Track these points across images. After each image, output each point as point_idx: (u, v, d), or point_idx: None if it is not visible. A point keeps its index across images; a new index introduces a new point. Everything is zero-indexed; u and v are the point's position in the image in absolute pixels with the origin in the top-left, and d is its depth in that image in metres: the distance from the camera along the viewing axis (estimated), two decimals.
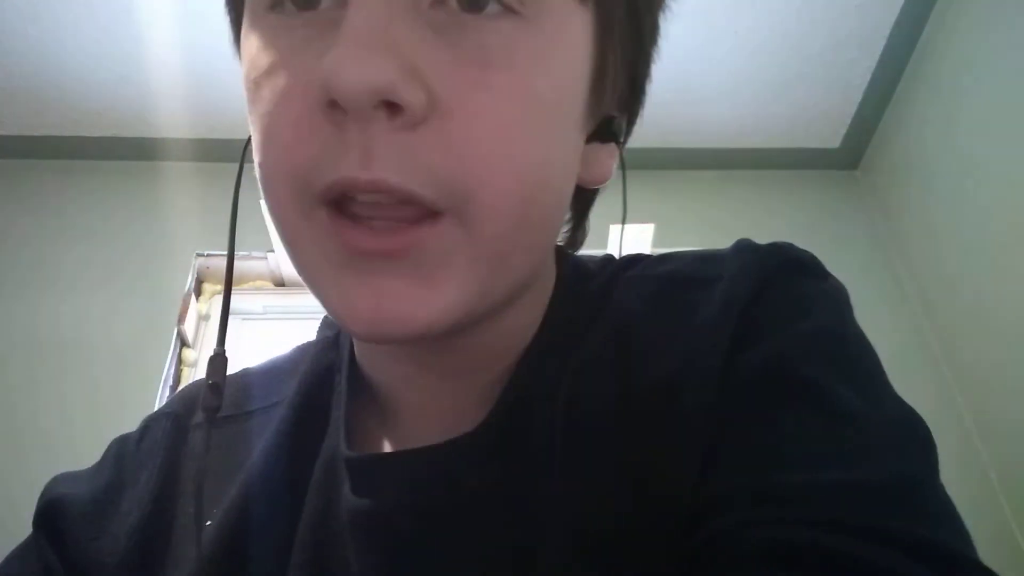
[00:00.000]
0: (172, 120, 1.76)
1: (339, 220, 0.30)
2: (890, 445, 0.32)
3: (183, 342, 1.65)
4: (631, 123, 0.41)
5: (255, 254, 1.68)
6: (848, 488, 0.29)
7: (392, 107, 0.28)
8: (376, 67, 0.27)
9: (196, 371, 1.63)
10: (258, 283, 1.75)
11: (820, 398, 0.32)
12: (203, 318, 1.72)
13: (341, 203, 0.30)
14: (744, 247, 0.40)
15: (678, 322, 0.37)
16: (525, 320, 0.40)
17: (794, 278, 0.37)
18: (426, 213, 0.30)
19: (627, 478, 0.35)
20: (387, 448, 0.42)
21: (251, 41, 0.32)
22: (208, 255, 1.72)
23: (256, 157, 0.32)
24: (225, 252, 0.39)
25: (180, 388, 1.62)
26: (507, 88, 0.30)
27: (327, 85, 0.27)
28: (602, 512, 0.34)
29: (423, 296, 0.30)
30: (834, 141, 1.87)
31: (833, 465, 0.30)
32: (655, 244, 1.64)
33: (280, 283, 1.75)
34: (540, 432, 0.37)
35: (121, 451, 0.47)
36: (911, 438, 0.33)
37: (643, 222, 1.59)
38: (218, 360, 0.39)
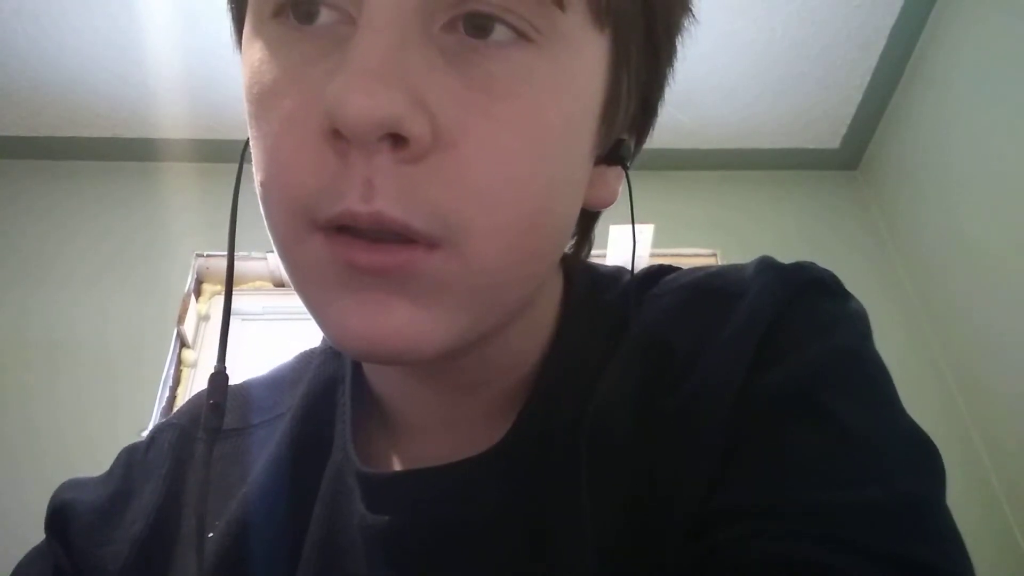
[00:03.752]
0: (172, 120, 1.76)
1: (336, 238, 0.29)
2: (898, 467, 0.32)
3: (183, 343, 1.65)
4: (640, 144, 0.40)
5: (255, 254, 1.68)
6: (853, 508, 0.30)
7: (397, 138, 0.28)
8: (383, 99, 0.26)
9: (196, 371, 1.63)
10: (258, 284, 1.75)
11: (833, 419, 0.33)
12: (203, 318, 1.71)
13: (340, 228, 0.30)
14: (766, 266, 0.39)
15: (703, 340, 0.37)
16: (531, 334, 0.40)
17: (815, 299, 0.37)
18: (423, 243, 0.29)
19: (647, 497, 0.35)
20: (395, 462, 0.42)
21: (254, 49, 0.31)
22: (208, 255, 1.72)
23: (257, 176, 0.32)
24: (225, 253, 0.39)
25: (187, 396, 1.63)
26: (514, 119, 0.29)
27: (332, 115, 0.27)
28: (621, 531, 0.35)
29: (416, 316, 0.30)
30: (834, 141, 1.87)
31: (841, 485, 0.31)
32: (655, 244, 1.64)
33: (280, 284, 1.74)
34: (562, 451, 0.37)
35: (129, 460, 0.47)
36: (920, 461, 0.33)
37: (643, 222, 1.59)
38: (219, 378, 0.38)
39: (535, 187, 0.31)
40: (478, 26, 0.29)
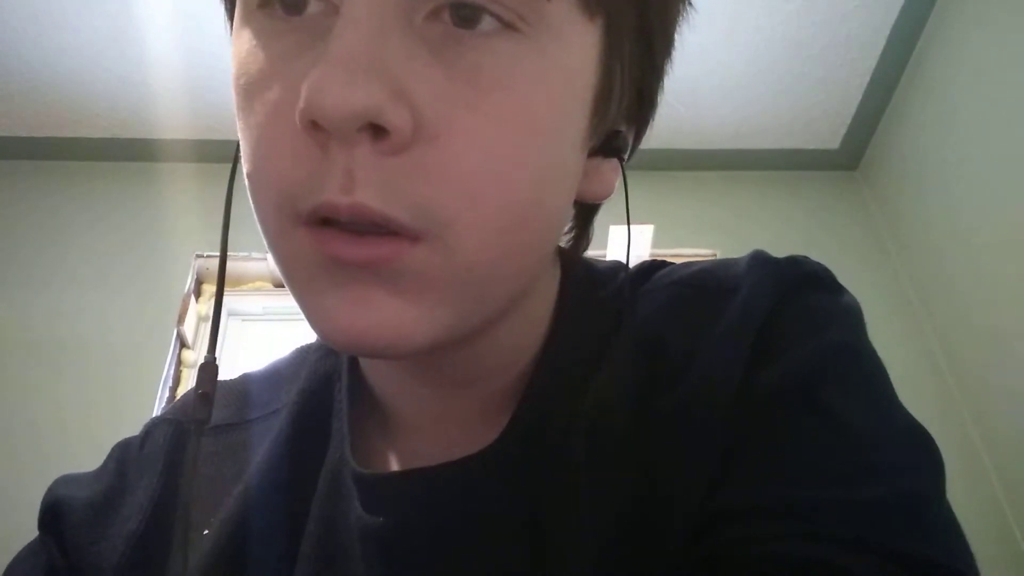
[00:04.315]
0: (172, 121, 1.76)
1: (320, 232, 0.29)
2: (899, 463, 0.32)
3: (182, 343, 1.65)
4: (639, 136, 0.39)
5: (255, 255, 1.68)
6: (855, 506, 0.30)
7: (377, 130, 0.27)
8: (360, 90, 0.26)
9: (195, 371, 1.63)
10: (258, 284, 1.75)
11: (831, 416, 0.33)
12: (203, 319, 1.71)
13: (324, 221, 0.29)
14: (760, 260, 0.39)
15: (698, 336, 0.37)
16: (526, 330, 0.40)
17: (810, 293, 0.37)
18: (406, 236, 0.29)
19: (645, 497, 0.34)
20: (392, 460, 0.41)
21: (241, 41, 0.31)
22: (208, 256, 1.72)
23: (245, 167, 0.32)
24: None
25: (180, 393, 1.63)
26: (500, 112, 0.29)
27: (309, 106, 0.26)
28: (619, 532, 0.34)
29: (402, 309, 0.30)
30: (834, 142, 1.87)
31: (842, 482, 0.31)
32: (655, 244, 1.64)
33: (280, 284, 1.74)
34: (559, 450, 0.36)
35: (123, 456, 0.46)
36: (920, 456, 0.33)
37: (643, 222, 1.59)
38: (208, 368, 0.37)
39: (521, 179, 0.30)
40: (465, 16, 0.28)
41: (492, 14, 0.28)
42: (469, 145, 0.29)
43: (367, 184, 0.28)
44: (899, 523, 0.29)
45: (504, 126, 0.29)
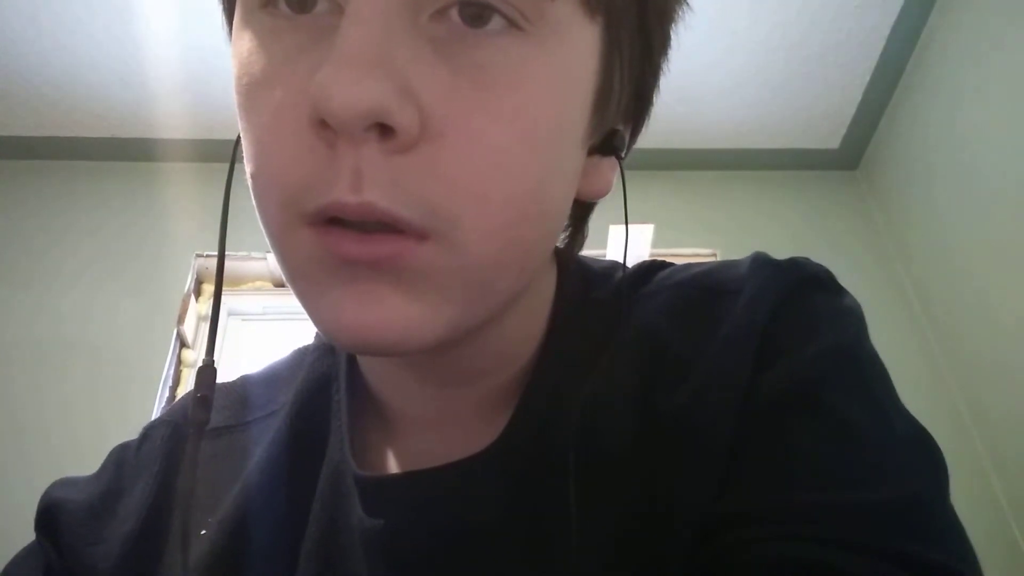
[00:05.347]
0: (171, 121, 1.76)
1: (326, 231, 0.29)
2: (901, 466, 0.32)
3: (183, 343, 1.65)
4: (635, 134, 0.40)
5: (254, 254, 1.68)
6: (859, 508, 0.30)
7: (384, 128, 0.27)
8: (368, 89, 0.26)
9: (195, 373, 1.63)
10: (257, 284, 1.75)
11: (834, 419, 0.33)
12: (203, 319, 1.72)
13: (329, 220, 0.29)
14: (762, 262, 0.39)
15: (701, 338, 0.37)
16: (523, 328, 0.40)
17: (811, 295, 0.37)
18: (413, 234, 0.29)
19: (647, 501, 0.35)
20: (391, 460, 0.42)
21: (243, 41, 0.31)
22: (208, 255, 1.72)
23: (248, 168, 0.32)
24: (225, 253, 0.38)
25: (180, 393, 1.63)
26: (504, 111, 0.29)
27: (317, 105, 0.26)
28: (620, 535, 0.34)
29: (407, 307, 0.30)
30: (834, 141, 1.87)
31: (845, 485, 0.31)
32: (655, 244, 1.64)
33: (280, 284, 1.74)
34: (558, 454, 0.36)
35: (121, 458, 0.46)
36: (922, 459, 0.33)
37: (642, 222, 1.59)
38: (206, 371, 0.37)
39: (526, 178, 0.30)
40: (473, 15, 0.29)
41: (499, 13, 0.29)
42: (475, 144, 0.29)
43: (375, 183, 0.28)
44: (901, 526, 0.30)
45: (509, 125, 0.29)
